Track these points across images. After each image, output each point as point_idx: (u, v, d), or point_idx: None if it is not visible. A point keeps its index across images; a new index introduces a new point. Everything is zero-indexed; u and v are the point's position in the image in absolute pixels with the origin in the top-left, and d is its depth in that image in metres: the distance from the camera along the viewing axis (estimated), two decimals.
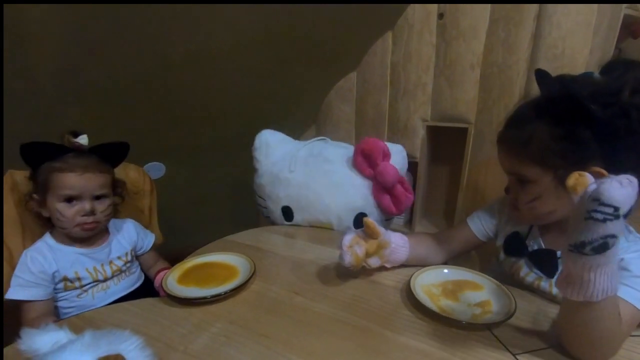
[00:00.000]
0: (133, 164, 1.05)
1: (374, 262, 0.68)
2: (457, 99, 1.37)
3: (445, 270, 0.68)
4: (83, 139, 0.77)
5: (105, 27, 0.95)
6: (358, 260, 0.65)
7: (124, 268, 0.86)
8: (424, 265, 0.71)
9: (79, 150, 0.77)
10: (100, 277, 0.81)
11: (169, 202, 1.51)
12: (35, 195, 0.76)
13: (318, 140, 1.14)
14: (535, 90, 1.29)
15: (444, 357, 0.51)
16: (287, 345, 0.54)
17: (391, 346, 0.54)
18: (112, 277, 0.83)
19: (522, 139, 0.56)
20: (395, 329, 0.57)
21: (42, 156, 0.74)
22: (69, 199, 0.75)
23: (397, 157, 1.04)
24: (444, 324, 0.57)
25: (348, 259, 0.64)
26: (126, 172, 0.99)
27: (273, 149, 1.08)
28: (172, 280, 0.70)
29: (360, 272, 0.72)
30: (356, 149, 0.99)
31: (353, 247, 0.65)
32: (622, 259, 0.55)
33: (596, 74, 0.53)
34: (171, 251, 1.19)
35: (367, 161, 0.98)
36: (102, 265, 0.82)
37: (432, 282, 0.66)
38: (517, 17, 1.19)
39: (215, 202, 1.80)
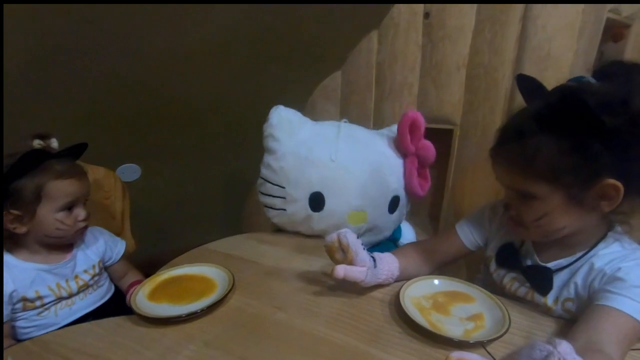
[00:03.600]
0: (103, 167, 0.98)
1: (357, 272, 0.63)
2: (443, 100, 1.35)
3: (436, 282, 0.65)
4: (54, 143, 0.71)
5: (79, 23, 0.88)
6: (334, 246, 0.61)
7: (91, 282, 0.79)
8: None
9: (57, 155, 0.71)
10: (64, 294, 0.74)
11: (146, 205, 1.44)
12: (14, 211, 0.67)
13: (334, 122, 1.02)
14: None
15: None
16: None
17: None
18: (78, 292, 0.77)
19: (525, 154, 0.52)
20: (385, 348, 0.53)
21: (22, 167, 0.67)
22: (69, 207, 0.72)
23: None
24: (435, 341, 0.54)
25: (330, 238, 0.61)
26: (93, 175, 0.92)
27: (297, 126, 0.92)
28: (142, 296, 0.64)
29: (346, 283, 0.68)
30: (404, 122, 0.92)
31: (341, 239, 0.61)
32: (619, 268, 0.53)
33: (592, 79, 0.50)
34: (149, 258, 1.13)
35: (411, 135, 0.93)
36: (67, 281, 0.75)
37: (423, 294, 0.63)
38: (503, 18, 1.18)
39: (196, 205, 1.73)
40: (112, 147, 1.34)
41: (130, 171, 1.42)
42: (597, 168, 0.49)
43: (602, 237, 0.58)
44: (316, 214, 0.88)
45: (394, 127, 1.03)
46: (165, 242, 1.62)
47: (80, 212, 0.74)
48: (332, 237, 0.61)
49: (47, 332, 0.69)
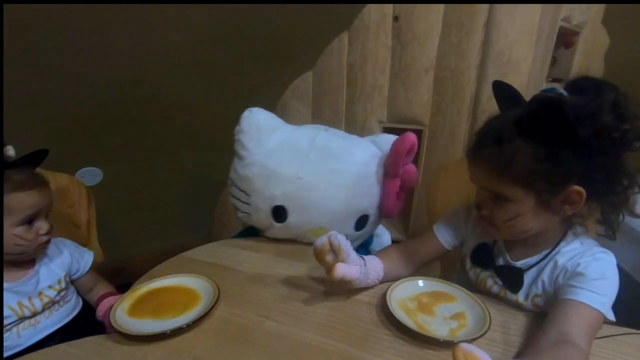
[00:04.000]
0: (65, 174, 0.92)
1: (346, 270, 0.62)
2: (412, 101, 1.39)
3: (420, 283, 0.67)
4: (10, 151, 0.65)
5: (37, 20, 0.81)
6: (324, 249, 0.60)
7: (57, 298, 0.74)
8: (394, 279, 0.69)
9: (13, 164, 0.65)
10: (28, 313, 0.68)
11: (108, 210, 1.36)
12: None
13: (315, 128, 0.95)
14: (485, 96, 1.35)
15: None
16: None
17: None
18: (43, 310, 0.71)
19: (503, 158, 0.54)
20: (375, 352, 0.55)
21: None
22: (30, 220, 0.66)
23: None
24: (423, 342, 0.56)
25: (320, 241, 0.61)
26: (57, 183, 0.86)
27: (266, 134, 0.86)
28: (121, 312, 0.61)
29: (332, 287, 0.68)
30: (402, 146, 0.83)
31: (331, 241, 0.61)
32: (579, 264, 0.58)
33: (565, 92, 0.54)
34: (115, 265, 1.07)
35: (407, 159, 0.87)
36: (30, 298, 0.69)
37: (407, 295, 0.65)
38: (468, 24, 1.23)
39: (161, 207, 1.66)
40: (70, 150, 1.25)
41: (91, 175, 1.34)
42: (566, 175, 0.53)
43: (563, 236, 0.62)
44: (278, 224, 0.87)
45: (379, 139, 0.97)
46: (131, 248, 1.55)
47: (42, 225, 0.68)
48: (323, 240, 0.61)
49: (11, 355, 0.64)
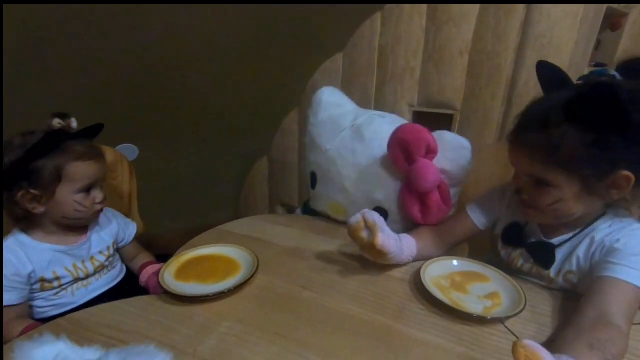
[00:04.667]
0: (109, 147, 0.96)
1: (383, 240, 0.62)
2: (445, 85, 1.36)
3: (455, 262, 0.68)
4: (74, 123, 0.70)
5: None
6: (360, 226, 0.62)
7: (106, 263, 0.79)
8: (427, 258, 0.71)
9: (76, 135, 0.70)
10: (82, 275, 0.74)
11: (143, 187, 1.43)
12: (33, 191, 0.66)
13: (371, 112, 1.01)
14: (522, 80, 1.31)
15: (462, 353, 0.51)
16: (304, 344, 0.52)
17: (410, 343, 0.53)
18: (94, 273, 0.77)
19: (549, 142, 0.53)
20: (410, 324, 0.57)
21: (44, 147, 0.65)
22: (88, 189, 0.71)
23: (452, 154, 0.79)
24: (457, 317, 0.58)
25: (355, 219, 0.63)
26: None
27: (323, 109, 0.97)
28: (169, 276, 0.65)
29: (365, 263, 0.70)
30: (392, 138, 0.78)
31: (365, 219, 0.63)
32: (617, 240, 0.57)
33: (616, 73, 0.52)
34: (150, 238, 1.12)
35: (404, 154, 0.77)
36: (83, 262, 0.75)
37: (440, 274, 0.66)
38: (507, 4, 1.19)
39: (191, 187, 1.72)
40: (109, 127, 1.30)
41: (129, 151, 1.39)
42: (615, 160, 0.52)
43: (602, 215, 0.61)
44: (312, 190, 0.98)
45: (439, 135, 0.84)
46: (161, 224, 1.61)
47: (98, 194, 0.73)
48: (357, 218, 0.63)
49: (68, 311, 0.70)
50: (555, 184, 0.56)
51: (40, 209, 0.67)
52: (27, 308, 0.70)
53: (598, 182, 0.54)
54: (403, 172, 0.80)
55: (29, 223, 0.70)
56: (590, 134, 0.51)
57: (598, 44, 1.37)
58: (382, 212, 0.84)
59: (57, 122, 0.67)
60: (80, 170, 0.69)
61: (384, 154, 0.83)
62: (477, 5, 1.25)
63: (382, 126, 0.88)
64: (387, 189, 0.85)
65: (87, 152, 0.69)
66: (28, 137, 0.65)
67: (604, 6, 1.23)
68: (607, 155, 0.51)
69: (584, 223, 0.62)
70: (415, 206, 0.80)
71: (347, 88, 1.52)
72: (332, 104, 0.98)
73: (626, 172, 0.52)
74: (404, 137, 0.76)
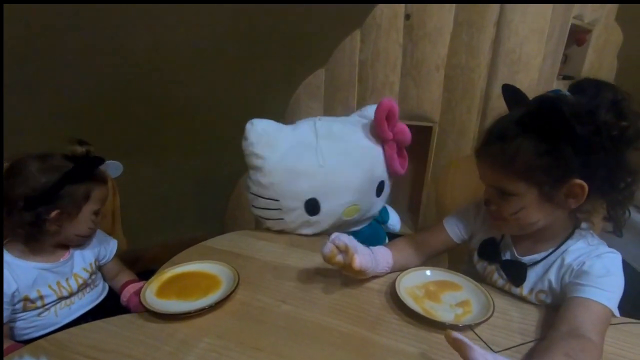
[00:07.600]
0: None
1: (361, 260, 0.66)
2: (423, 98, 1.41)
3: (428, 273, 0.71)
4: (92, 149, 0.75)
5: (61, 17, 0.86)
6: (333, 254, 0.64)
7: (89, 281, 0.80)
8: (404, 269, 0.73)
9: (93, 162, 0.75)
10: (65, 293, 0.75)
11: (128, 202, 1.43)
12: (61, 211, 0.71)
13: (309, 120, 1.00)
14: (495, 94, 1.37)
15: None
16: (282, 357, 0.54)
17: (384, 352, 0.55)
18: (77, 291, 0.77)
19: (507, 154, 0.58)
20: (384, 334, 0.59)
21: (82, 172, 0.72)
22: (98, 211, 0.77)
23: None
24: (430, 326, 0.60)
25: (327, 248, 0.64)
26: None
27: (276, 139, 0.90)
28: (150, 293, 0.66)
29: (344, 276, 0.72)
30: (380, 111, 0.91)
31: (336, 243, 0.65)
32: (584, 262, 0.61)
33: (567, 93, 0.57)
34: (132, 254, 1.12)
35: (388, 122, 0.93)
36: (67, 279, 0.75)
37: (415, 284, 0.69)
38: (479, 22, 1.25)
39: (174, 201, 1.73)
40: (93, 142, 1.31)
41: (113, 168, 1.39)
42: (567, 169, 0.56)
43: (570, 234, 0.65)
44: (314, 217, 0.91)
45: (365, 111, 1.06)
46: (147, 239, 1.61)
47: (99, 217, 0.79)
48: (329, 247, 0.64)
49: (51, 332, 0.70)
50: (516, 192, 0.60)
51: (56, 228, 0.71)
52: (7, 329, 0.70)
53: (554, 190, 0.58)
54: (386, 136, 0.95)
55: (15, 242, 0.71)
56: (540, 145, 0.55)
57: (566, 58, 1.44)
58: (381, 183, 0.99)
59: (82, 149, 0.72)
60: (103, 193, 0.77)
61: (363, 141, 0.96)
62: (451, 22, 1.31)
63: (337, 124, 0.98)
64: (381, 162, 0.97)
65: (105, 177, 0.77)
66: (51, 160, 0.70)
67: (569, 23, 1.30)
68: (559, 164, 0.55)
69: (555, 241, 0.65)
70: (396, 161, 0.98)
71: (329, 102, 1.56)
72: (276, 130, 0.92)
73: (579, 181, 0.56)
74: (391, 107, 0.91)
